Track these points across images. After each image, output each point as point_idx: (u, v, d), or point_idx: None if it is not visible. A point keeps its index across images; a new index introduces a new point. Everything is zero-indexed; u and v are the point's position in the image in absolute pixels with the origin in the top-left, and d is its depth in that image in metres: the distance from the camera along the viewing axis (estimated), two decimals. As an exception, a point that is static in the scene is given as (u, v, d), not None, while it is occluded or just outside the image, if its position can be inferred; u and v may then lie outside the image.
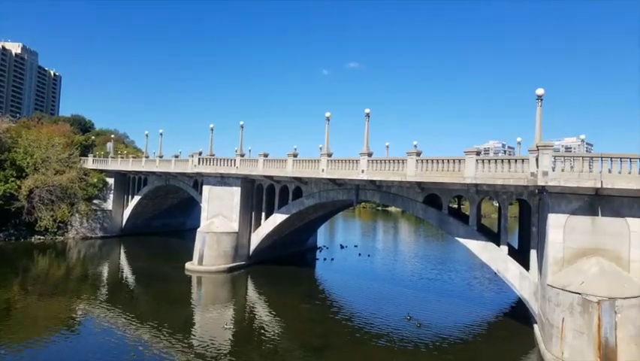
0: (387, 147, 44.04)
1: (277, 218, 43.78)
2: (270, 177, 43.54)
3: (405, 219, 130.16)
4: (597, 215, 22.44)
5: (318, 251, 58.79)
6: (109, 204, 62.47)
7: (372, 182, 34.98)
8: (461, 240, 30.66)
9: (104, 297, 33.46)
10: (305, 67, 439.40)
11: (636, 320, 20.09)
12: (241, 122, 46.92)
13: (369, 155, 34.74)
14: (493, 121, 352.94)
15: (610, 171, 22.12)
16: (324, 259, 53.25)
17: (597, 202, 22.45)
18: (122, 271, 44.34)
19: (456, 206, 43.42)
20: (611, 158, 22.30)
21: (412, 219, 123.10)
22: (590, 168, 22.35)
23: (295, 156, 41.13)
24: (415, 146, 35.55)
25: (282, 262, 47.31)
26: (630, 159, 21.82)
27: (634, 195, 21.72)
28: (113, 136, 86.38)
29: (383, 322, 29.29)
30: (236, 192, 45.50)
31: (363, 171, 34.57)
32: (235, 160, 45.74)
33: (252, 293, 37.96)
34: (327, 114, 38.24)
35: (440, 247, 72.35)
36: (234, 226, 44.81)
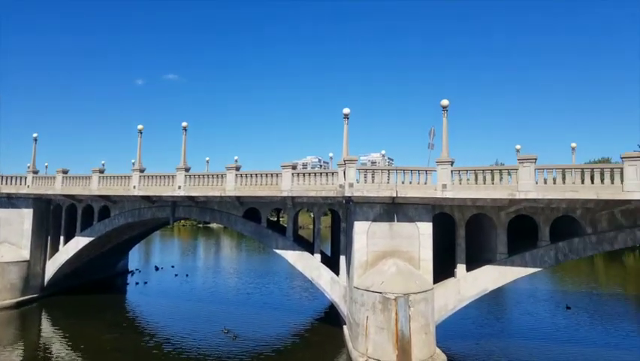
0: (208, 161, 43.13)
1: (80, 242, 39.03)
2: (72, 196, 38.69)
3: (227, 235, 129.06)
4: (394, 221, 25.32)
5: (129, 275, 54.15)
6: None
7: (191, 198, 33.72)
8: (279, 251, 31.45)
9: None
10: (119, 76, 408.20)
11: (425, 312, 23.15)
12: (34, 135, 40.84)
13: (187, 170, 33.48)
14: (311, 137, 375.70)
15: (403, 182, 25.16)
16: (136, 283, 49.11)
17: (394, 209, 25.34)
18: None
19: (275, 219, 44.73)
20: (404, 170, 25.40)
21: (234, 235, 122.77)
22: (387, 179, 25.16)
23: (102, 172, 37.35)
24: (236, 160, 35.47)
25: (87, 291, 42.26)
26: (419, 171, 25.19)
27: (421, 203, 25.12)
28: None
29: (199, 341, 28.35)
30: (27, 214, 39.20)
31: (180, 187, 33.09)
32: (27, 178, 39.52)
33: (46, 328, 32.84)
34: (140, 127, 35.75)
35: (261, 260, 73.44)
36: (24, 254, 38.47)
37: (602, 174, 22.43)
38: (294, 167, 30.16)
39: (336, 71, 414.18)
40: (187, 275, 55.54)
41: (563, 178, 22.85)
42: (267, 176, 30.37)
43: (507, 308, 39.90)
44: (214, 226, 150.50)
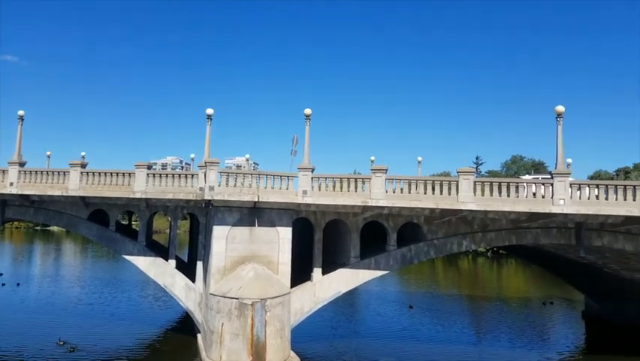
0: (49, 156, 38.32)
1: None
2: None
3: (71, 240, 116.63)
4: (255, 225, 25.14)
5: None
6: None
7: (25, 197, 29.60)
8: (130, 257, 29.16)
9: None
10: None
11: (281, 316, 23.35)
12: None
13: (22, 164, 29.36)
14: (172, 136, 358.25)
15: (265, 187, 25.16)
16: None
17: (255, 214, 25.17)
18: None
19: (127, 222, 41.53)
20: (267, 175, 25.43)
21: (80, 239, 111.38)
22: (250, 184, 24.92)
23: None
24: (83, 157, 32.15)
25: None
26: (281, 176, 25.44)
27: (283, 208, 25.37)
28: None
29: (28, 358, 25.08)
30: None
31: (12, 184, 28.86)
32: None
33: None
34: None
35: (109, 267, 67.62)
36: None
37: (441, 186, 24.96)
38: (149, 167, 28.32)
39: (203, 68, 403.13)
40: (18, 284, 48.75)
41: (409, 188, 24.97)
42: (118, 175, 28.00)
43: (359, 310, 42.28)
44: (55, 228, 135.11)
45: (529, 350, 30.80)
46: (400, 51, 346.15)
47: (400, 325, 36.20)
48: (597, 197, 24.09)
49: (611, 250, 27.02)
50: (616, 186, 24.39)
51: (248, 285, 23.10)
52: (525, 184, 24.85)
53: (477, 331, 36.44)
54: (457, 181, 24.51)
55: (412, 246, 27.13)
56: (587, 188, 24.38)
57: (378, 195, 24.69)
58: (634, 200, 23.67)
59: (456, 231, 27.19)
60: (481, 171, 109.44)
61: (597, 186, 24.68)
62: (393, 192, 25.18)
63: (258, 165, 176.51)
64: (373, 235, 29.46)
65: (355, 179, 25.85)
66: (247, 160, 47.45)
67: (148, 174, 27.39)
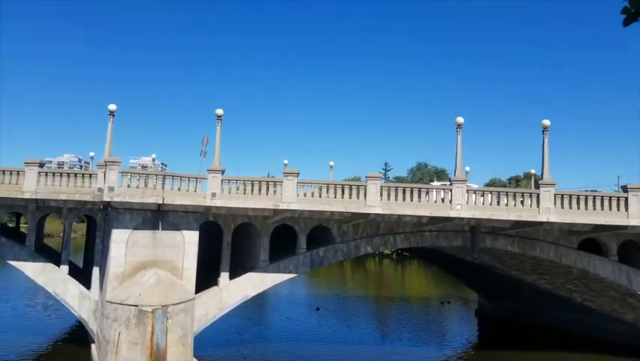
0: None
1: None
2: None
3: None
4: (158, 229, 23.90)
5: None
6: None
7: None
8: (16, 263, 26.37)
9: None
10: None
11: (184, 323, 22.39)
12: None
13: None
14: (73, 132, 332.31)
15: (172, 189, 24.06)
16: None
17: (159, 217, 23.93)
18: None
19: (14, 225, 37.74)
20: (173, 176, 24.35)
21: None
22: (154, 185, 23.68)
23: None
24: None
25: None
26: (189, 178, 24.49)
27: (190, 210, 24.42)
28: None
29: None
30: None
31: None
32: None
33: None
34: None
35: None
36: None
37: (350, 190, 25.55)
38: (41, 164, 25.93)
39: (108, 65, 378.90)
40: None
41: (320, 192, 25.27)
42: (4, 173, 25.34)
43: (267, 314, 42.02)
44: None
45: (428, 346, 32.54)
46: (315, 56, 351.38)
47: (307, 327, 36.49)
48: (491, 203, 26.08)
49: (503, 251, 29.35)
50: (507, 193, 26.62)
51: (148, 291, 21.88)
52: (427, 190, 26.24)
53: (381, 331, 37.79)
54: (366, 186, 25.22)
55: (322, 249, 27.44)
56: (482, 194, 26.30)
57: (290, 198, 24.67)
58: (522, 206, 25.94)
59: (364, 234, 27.97)
60: (389, 177, 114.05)
61: (491, 192, 26.75)
62: (305, 196, 25.33)
63: (166, 165, 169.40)
64: (283, 237, 29.42)
65: (267, 182, 25.64)
66: (153, 160, 45.24)
67: (40, 173, 25.08)
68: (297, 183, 25.02)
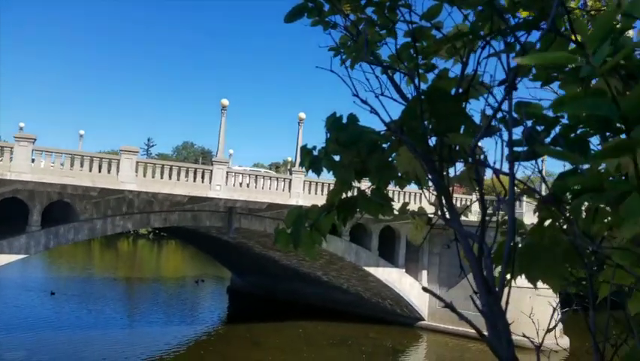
0: None
1: None
2: None
3: None
4: None
5: None
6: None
7: None
8: None
9: None
10: None
11: None
12: None
13: None
14: None
15: None
16: None
17: None
18: None
19: None
20: None
21: None
22: None
23: None
24: None
25: None
26: None
27: None
28: None
29: None
30: None
31: None
32: None
33: None
34: None
35: None
36: None
37: (100, 164, 23.12)
38: None
39: None
40: None
41: (68, 163, 22.13)
42: None
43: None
44: None
45: (179, 325, 32.32)
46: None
47: (41, 315, 31.94)
48: (248, 185, 27.17)
49: (258, 231, 30.98)
50: (264, 176, 28.15)
51: None
52: (187, 168, 25.75)
53: (130, 313, 35.76)
54: (119, 160, 23.23)
55: (62, 226, 24.19)
56: (241, 176, 27.19)
57: (23, 167, 20.93)
58: (277, 189, 27.80)
59: (115, 211, 25.76)
60: (152, 153, 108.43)
61: (249, 175, 27.87)
62: (43, 167, 21.85)
63: None
64: (15, 210, 24.90)
65: (-11, 146, 21.19)
66: None
67: None
68: (33, 150, 21.42)
